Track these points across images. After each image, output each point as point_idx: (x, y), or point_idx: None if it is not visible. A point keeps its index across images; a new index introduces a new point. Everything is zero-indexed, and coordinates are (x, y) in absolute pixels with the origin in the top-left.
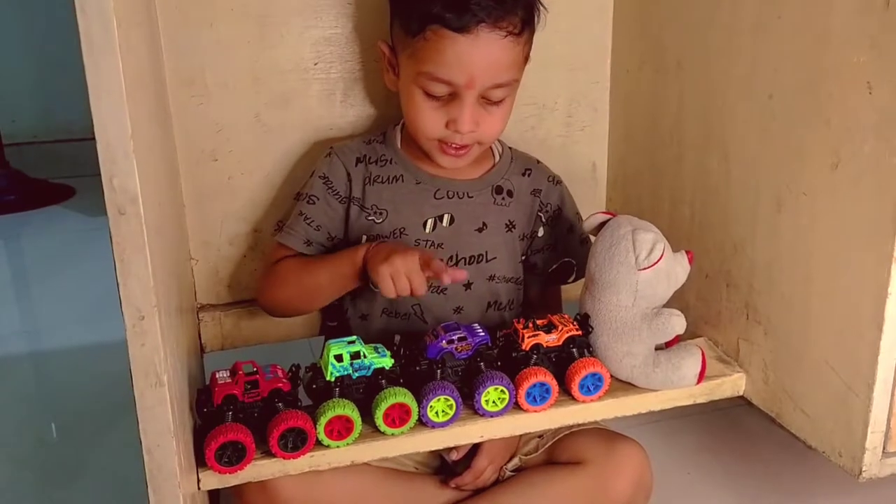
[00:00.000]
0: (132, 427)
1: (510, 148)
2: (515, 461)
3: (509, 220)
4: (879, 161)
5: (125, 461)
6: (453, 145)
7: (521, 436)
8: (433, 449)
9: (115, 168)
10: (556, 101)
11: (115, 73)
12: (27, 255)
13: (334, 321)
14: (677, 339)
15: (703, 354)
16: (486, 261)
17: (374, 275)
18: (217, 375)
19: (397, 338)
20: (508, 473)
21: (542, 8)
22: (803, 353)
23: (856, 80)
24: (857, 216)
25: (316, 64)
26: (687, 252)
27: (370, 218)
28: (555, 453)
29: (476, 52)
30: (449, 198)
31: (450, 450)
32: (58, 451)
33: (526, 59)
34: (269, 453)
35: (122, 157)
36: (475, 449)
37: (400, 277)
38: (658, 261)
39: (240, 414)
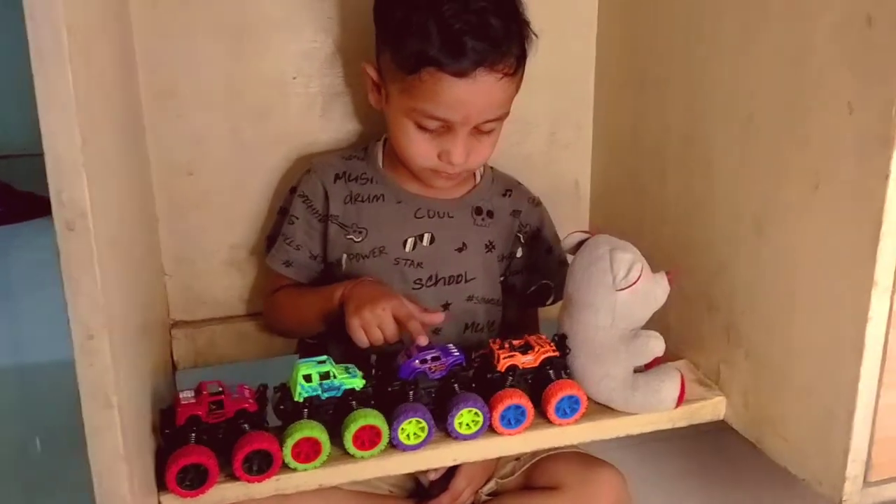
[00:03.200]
0: None
1: (491, 168)
2: (491, 484)
3: (489, 241)
4: (859, 183)
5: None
6: (444, 173)
7: (498, 458)
8: (404, 472)
9: (64, 181)
10: (539, 117)
11: (65, 84)
12: (14, 268)
13: (314, 338)
14: (657, 362)
15: (682, 378)
16: (466, 281)
17: (347, 326)
18: (181, 395)
19: (373, 357)
20: (484, 497)
21: (533, 36)
22: (784, 377)
23: (836, 101)
24: (838, 239)
25: (295, 78)
26: (667, 273)
27: (349, 237)
28: (532, 477)
29: (473, 95)
30: (430, 217)
31: (427, 470)
32: (41, 464)
33: (518, 88)
34: (233, 476)
35: (71, 171)
36: (453, 470)
37: (371, 329)
38: (636, 281)
39: (203, 435)
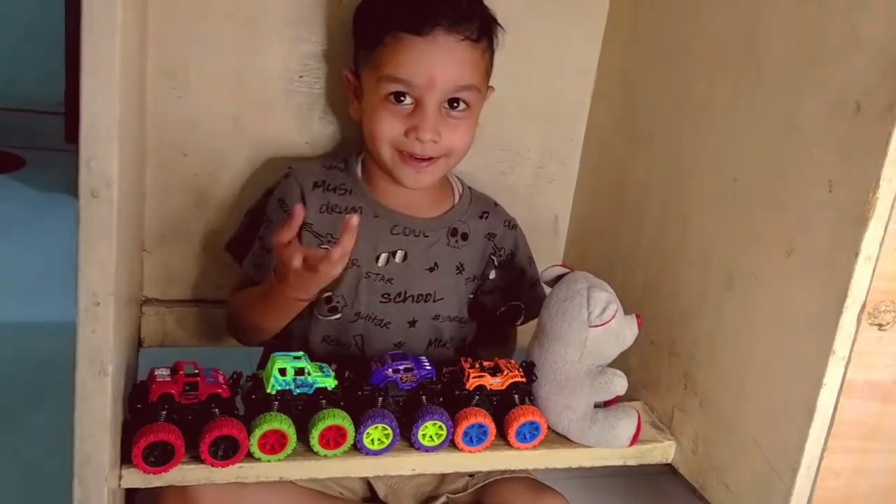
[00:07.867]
0: (53, 414)
1: (469, 188)
2: (443, 499)
3: (460, 263)
4: (831, 257)
5: (38, 448)
6: (414, 155)
7: None
8: (363, 475)
9: (96, 150)
10: (528, 150)
11: (111, 55)
12: None
13: (277, 339)
14: (616, 400)
15: (639, 418)
16: (434, 301)
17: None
18: (156, 372)
19: (334, 366)
20: None
21: (500, 28)
22: (734, 428)
23: (818, 177)
24: (803, 305)
25: (301, 77)
26: (637, 316)
27: (324, 246)
28: (483, 496)
29: (434, 52)
30: (405, 235)
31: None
32: None
33: (488, 70)
34: (197, 458)
35: (105, 140)
36: None
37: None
38: (610, 320)
39: (174, 414)
